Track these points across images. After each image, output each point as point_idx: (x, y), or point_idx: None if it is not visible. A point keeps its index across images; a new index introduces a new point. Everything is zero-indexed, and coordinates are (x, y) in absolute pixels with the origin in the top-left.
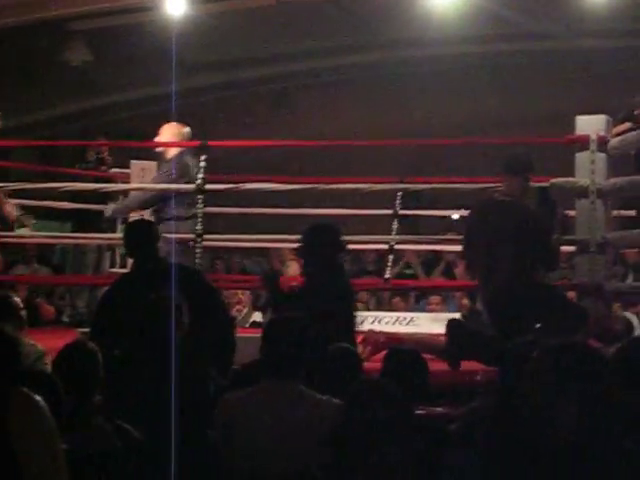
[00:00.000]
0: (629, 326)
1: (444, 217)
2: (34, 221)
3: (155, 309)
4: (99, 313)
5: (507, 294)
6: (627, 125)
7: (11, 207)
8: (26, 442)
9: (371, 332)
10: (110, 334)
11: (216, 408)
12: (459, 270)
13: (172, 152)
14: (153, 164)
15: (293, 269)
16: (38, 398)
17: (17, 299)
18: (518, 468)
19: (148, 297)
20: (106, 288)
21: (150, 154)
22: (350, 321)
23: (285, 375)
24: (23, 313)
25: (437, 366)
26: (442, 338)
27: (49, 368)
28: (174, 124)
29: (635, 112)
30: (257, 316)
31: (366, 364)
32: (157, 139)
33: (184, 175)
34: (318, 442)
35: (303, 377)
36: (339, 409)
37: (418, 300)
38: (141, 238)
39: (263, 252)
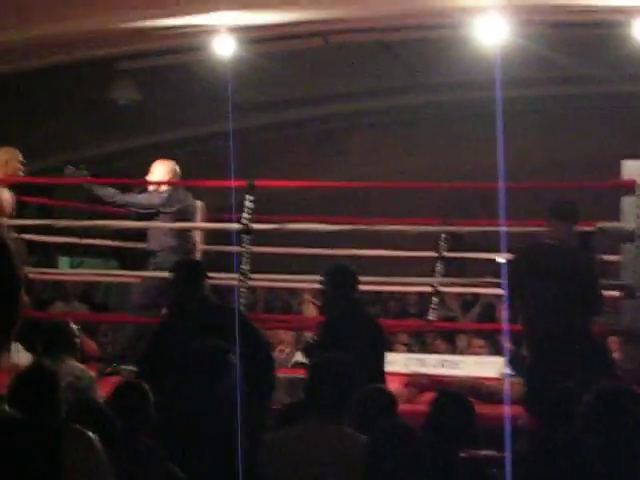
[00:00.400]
0: None
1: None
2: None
3: (204, 357)
4: (147, 353)
5: (557, 340)
6: None
7: None
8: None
9: (416, 374)
10: (157, 375)
11: (260, 447)
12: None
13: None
14: (200, 203)
15: (310, 311)
16: (91, 434)
17: (73, 326)
18: None
19: (197, 344)
20: (154, 328)
21: (194, 193)
22: (378, 359)
23: (329, 416)
24: (78, 341)
25: (481, 409)
26: (487, 381)
27: (99, 394)
28: (167, 161)
29: None
30: (299, 356)
31: (411, 406)
32: (150, 176)
33: (173, 205)
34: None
35: (343, 418)
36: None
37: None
38: (190, 276)
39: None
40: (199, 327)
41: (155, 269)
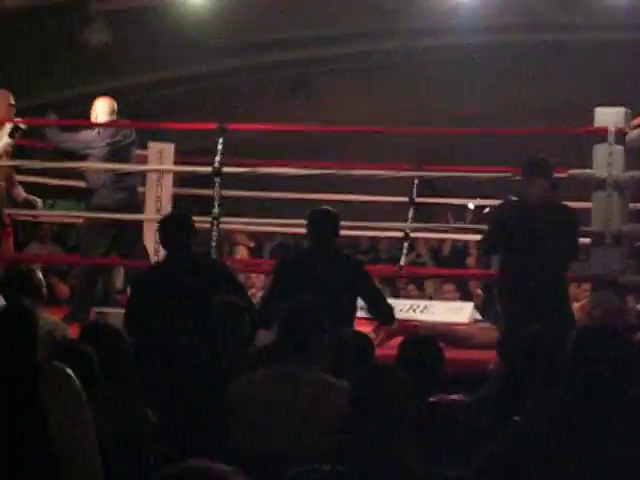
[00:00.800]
0: None
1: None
2: (48, 201)
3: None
4: (133, 300)
5: (536, 291)
6: None
7: (20, 189)
8: (58, 415)
9: None
10: (143, 322)
11: (231, 387)
12: (471, 260)
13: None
14: (171, 146)
15: (242, 253)
16: (69, 371)
17: (39, 275)
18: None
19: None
20: (138, 276)
21: (166, 136)
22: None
23: (302, 359)
24: (44, 289)
25: (450, 354)
26: (456, 326)
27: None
28: (107, 99)
29: None
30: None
31: (379, 351)
32: (92, 114)
33: (104, 140)
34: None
35: (318, 361)
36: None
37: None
38: (176, 230)
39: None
40: (186, 276)
41: (95, 208)
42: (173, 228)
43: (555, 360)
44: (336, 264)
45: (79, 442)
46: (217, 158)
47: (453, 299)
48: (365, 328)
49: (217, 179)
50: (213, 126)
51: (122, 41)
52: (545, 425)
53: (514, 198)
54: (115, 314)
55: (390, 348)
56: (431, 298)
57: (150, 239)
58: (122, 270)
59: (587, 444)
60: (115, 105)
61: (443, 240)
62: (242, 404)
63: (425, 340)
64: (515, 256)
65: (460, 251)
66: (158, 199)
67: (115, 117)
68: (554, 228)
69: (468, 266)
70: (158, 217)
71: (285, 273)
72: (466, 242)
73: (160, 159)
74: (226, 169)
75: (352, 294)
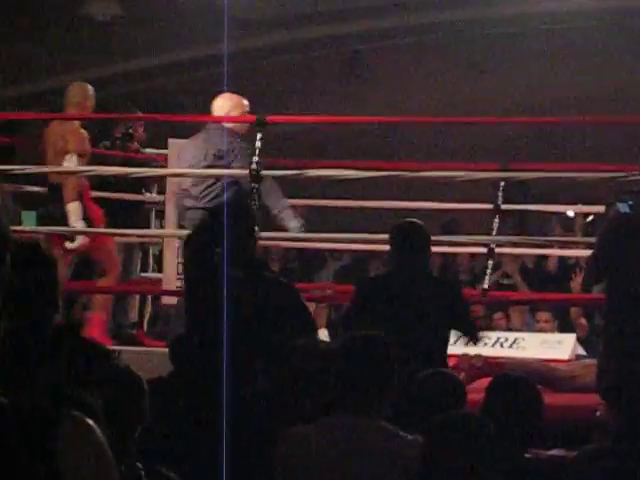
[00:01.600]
0: None
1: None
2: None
3: None
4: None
5: None
6: None
7: None
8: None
9: (466, 355)
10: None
11: (279, 441)
12: (575, 283)
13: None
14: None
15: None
16: (90, 422)
17: None
18: None
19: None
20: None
21: (191, 131)
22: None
23: (362, 409)
24: None
25: (549, 399)
26: (554, 364)
27: None
28: (234, 95)
29: None
30: (323, 334)
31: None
32: (218, 113)
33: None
34: None
35: (385, 411)
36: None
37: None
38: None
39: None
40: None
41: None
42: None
43: None
44: (427, 288)
45: None
46: (255, 159)
47: (549, 330)
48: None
49: (255, 185)
50: (251, 118)
51: (135, 14)
52: None
53: (625, 209)
54: (128, 352)
55: (475, 392)
56: (520, 330)
57: (171, 258)
58: (136, 301)
59: None
60: (245, 102)
61: (545, 256)
62: (293, 459)
63: (518, 382)
64: (624, 284)
65: (565, 269)
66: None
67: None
68: None
69: (571, 289)
70: (178, 233)
71: (367, 300)
72: (575, 259)
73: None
74: (266, 172)
75: (445, 324)
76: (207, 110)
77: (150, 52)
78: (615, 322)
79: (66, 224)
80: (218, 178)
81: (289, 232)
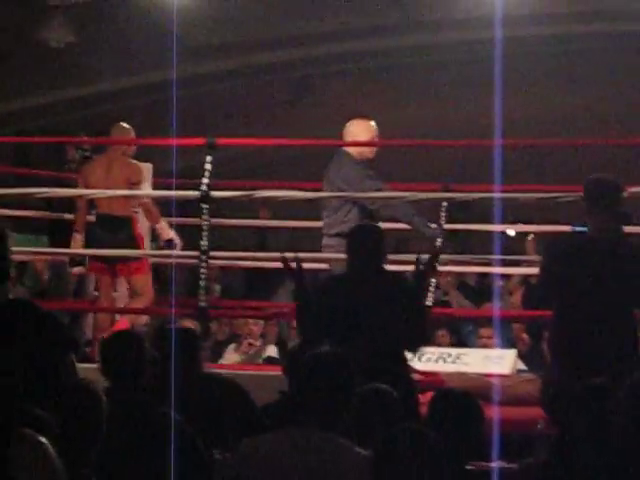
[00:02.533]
0: None
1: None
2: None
3: None
4: None
5: (598, 346)
6: None
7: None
8: None
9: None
10: None
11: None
12: (515, 298)
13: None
14: (149, 166)
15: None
16: (43, 439)
17: None
18: None
19: None
20: None
21: (144, 154)
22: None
23: (321, 423)
24: None
25: (490, 413)
26: (493, 379)
27: None
28: (362, 121)
29: None
30: (272, 350)
31: None
32: (346, 139)
33: None
34: None
35: (337, 424)
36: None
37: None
38: None
39: None
40: None
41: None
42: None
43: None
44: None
45: None
46: (205, 180)
47: (492, 346)
48: None
49: (205, 206)
50: (200, 141)
51: (88, 41)
52: None
53: (572, 230)
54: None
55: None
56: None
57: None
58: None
59: None
60: (372, 124)
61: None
62: (248, 467)
63: (460, 396)
64: (573, 301)
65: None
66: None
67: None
68: (622, 269)
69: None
70: (134, 253)
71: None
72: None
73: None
74: (216, 193)
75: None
76: (157, 133)
77: (102, 77)
78: (562, 338)
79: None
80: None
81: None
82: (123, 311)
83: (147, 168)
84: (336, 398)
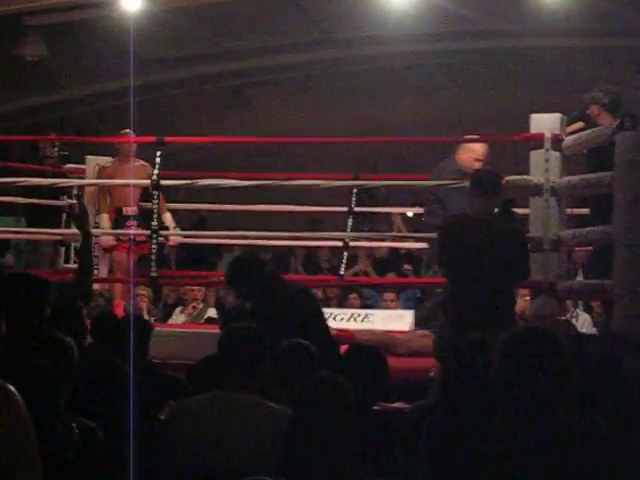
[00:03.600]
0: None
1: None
2: None
3: None
4: None
5: (480, 308)
6: (580, 124)
7: None
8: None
9: None
10: None
11: (164, 414)
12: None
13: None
14: (108, 159)
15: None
16: (12, 388)
17: None
18: (459, 469)
19: None
20: None
21: (104, 150)
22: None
23: (239, 386)
24: None
25: (392, 362)
26: (394, 334)
27: None
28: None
29: (587, 111)
30: (212, 312)
31: None
32: (459, 156)
33: None
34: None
35: (257, 387)
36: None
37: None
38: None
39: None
40: None
41: None
42: None
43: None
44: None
45: (21, 464)
46: (155, 171)
47: (394, 307)
48: None
49: (155, 192)
50: (151, 139)
51: (58, 55)
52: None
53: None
54: None
55: None
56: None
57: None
58: None
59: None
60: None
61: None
62: (177, 431)
63: (368, 348)
64: (457, 271)
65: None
66: (97, 213)
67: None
68: (496, 246)
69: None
70: (95, 232)
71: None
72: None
73: (98, 173)
74: (164, 182)
75: None
76: (116, 133)
77: (70, 86)
78: (451, 300)
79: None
80: None
81: None
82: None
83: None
84: (255, 367)
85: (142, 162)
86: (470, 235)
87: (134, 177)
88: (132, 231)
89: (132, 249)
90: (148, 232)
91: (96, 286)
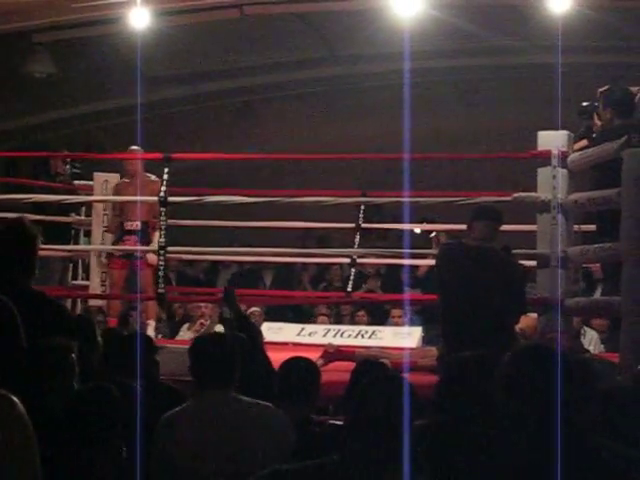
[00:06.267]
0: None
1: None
2: None
3: None
4: None
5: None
6: (585, 142)
7: None
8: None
9: (329, 345)
10: None
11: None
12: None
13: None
14: (116, 176)
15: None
16: (14, 398)
17: None
18: None
19: None
20: None
21: (112, 166)
22: None
23: (216, 385)
24: None
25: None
26: (393, 351)
27: None
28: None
29: (593, 128)
30: (219, 328)
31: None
32: None
33: None
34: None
35: (236, 386)
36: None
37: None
38: None
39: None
40: None
41: None
42: None
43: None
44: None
45: (22, 474)
46: (162, 188)
47: (401, 324)
48: (311, 354)
49: (163, 209)
50: (158, 156)
51: (67, 72)
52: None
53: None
54: None
55: (329, 372)
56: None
57: (95, 270)
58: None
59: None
60: None
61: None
62: (169, 439)
63: (376, 365)
64: (452, 293)
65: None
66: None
67: None
68: (483, 273)
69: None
70: (102, 248)
71: None
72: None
73: (106, 189)
74: (172, 198)
75: None
76: (122, 149)
77: (78, 102)
78: (448, 322)
79: None
80: None
81: None
82: (96, 297)
83: (114, 178)
84: (228, 366)
85: (154, 178)
86: (463, 262)
87: (146, 193)
88: (139, 247)
89: (128, 264)
90: (155, 248)
91: (96, 302)
